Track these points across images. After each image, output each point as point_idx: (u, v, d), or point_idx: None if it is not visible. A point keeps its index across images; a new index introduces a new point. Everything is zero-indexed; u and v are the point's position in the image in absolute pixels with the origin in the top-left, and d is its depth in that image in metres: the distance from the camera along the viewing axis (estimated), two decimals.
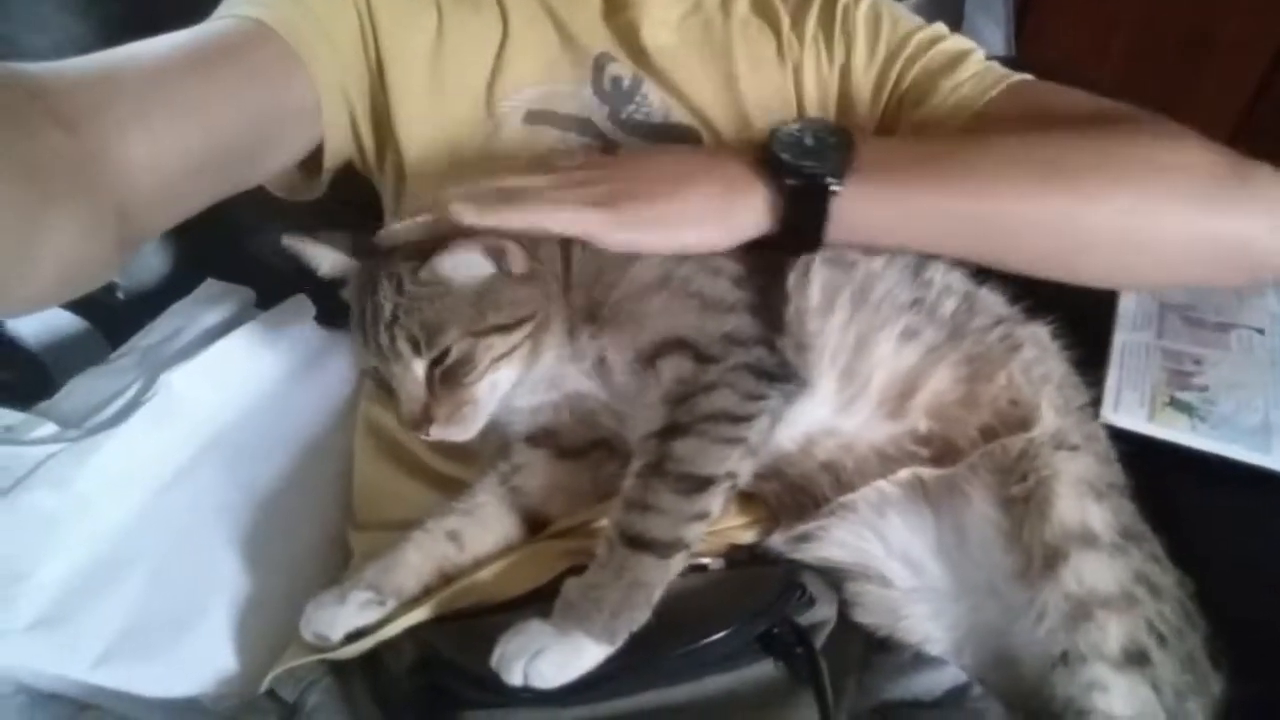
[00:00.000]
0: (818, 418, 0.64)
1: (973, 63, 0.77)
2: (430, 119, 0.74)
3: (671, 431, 0.57)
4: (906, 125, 0.76)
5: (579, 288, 0.63)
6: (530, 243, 0.62)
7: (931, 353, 0.64)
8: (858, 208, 0.62)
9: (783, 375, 0.61)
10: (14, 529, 0.63)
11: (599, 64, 0.78)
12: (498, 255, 0.61)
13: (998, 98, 0.73)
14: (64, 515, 0.64)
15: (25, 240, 0.48)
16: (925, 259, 0.67)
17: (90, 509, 0.65)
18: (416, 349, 0.59)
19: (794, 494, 0.66)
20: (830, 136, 0.64)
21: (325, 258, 0.65)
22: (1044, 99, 0.73)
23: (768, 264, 0.65)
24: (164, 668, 0.64)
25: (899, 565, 0.64)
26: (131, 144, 0.56)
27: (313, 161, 0.75)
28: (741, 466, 0.59)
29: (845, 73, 0.80)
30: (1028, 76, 0.76)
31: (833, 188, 0.62)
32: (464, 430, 0.61)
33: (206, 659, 0.66)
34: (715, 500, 0.57)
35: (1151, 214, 0.63)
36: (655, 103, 0.78)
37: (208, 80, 0.62)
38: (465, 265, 0.60)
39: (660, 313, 0.60)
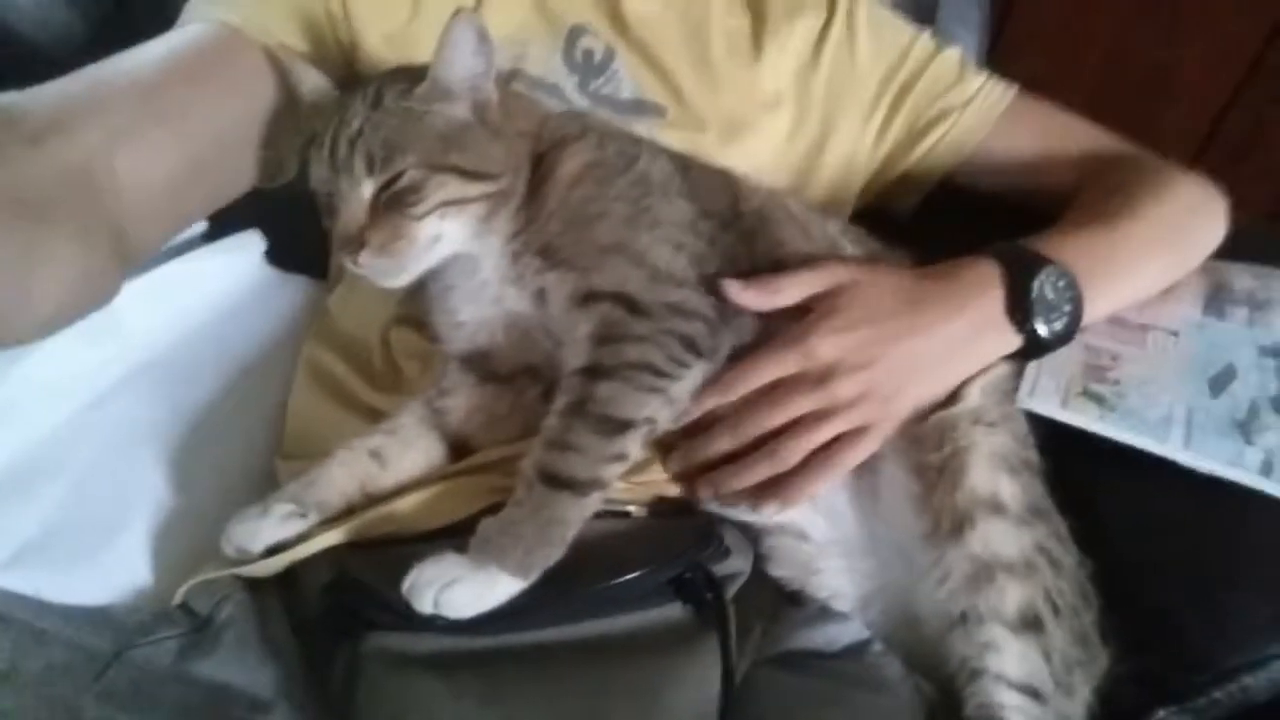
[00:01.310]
0: None
1: (973, 75, 0.85)
2: None
3: (595, 372, 0.59)
4: (921, 151, 0.85)
5: (547, 221, 0.63)
6: (513, 108, 0.63)
7: None
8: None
9: (711, 354, 0.63)
10: None
11: (572, 35, 0.79)
12: (480, 105, 0.61)
13: (1003, 122, 0.84)
14: None
15: (24, 267, 0.49)
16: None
17: (12, 415, 0.64)
18: (370, 168, 0.58)
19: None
20: (1059, 280, 0.67)
21: (309, 79, 0.64)
22: (1050, 128, 0.85)
23: (730, 254, 0.66)
24: (77, 576, 0.63)
25: (820, 518, 0.66)
26: (118, 160, 0.57)
27: None
28: (661, 413, 0.60)
29: (850, 63, 0.83)
30: (1014, 90, 0.85)
31: (1068, 332, 0.68)
32: (393, 269, 0.60)
33: (122, 572, 0.65)
34: (633, 443, 0.59)
35: (1197, 249, 0.79)
36: (625, 79, 0.79)
37: (187, 91, 0.63)
38: (461, 44, 0.59)
39: (610, 270, 0.62)
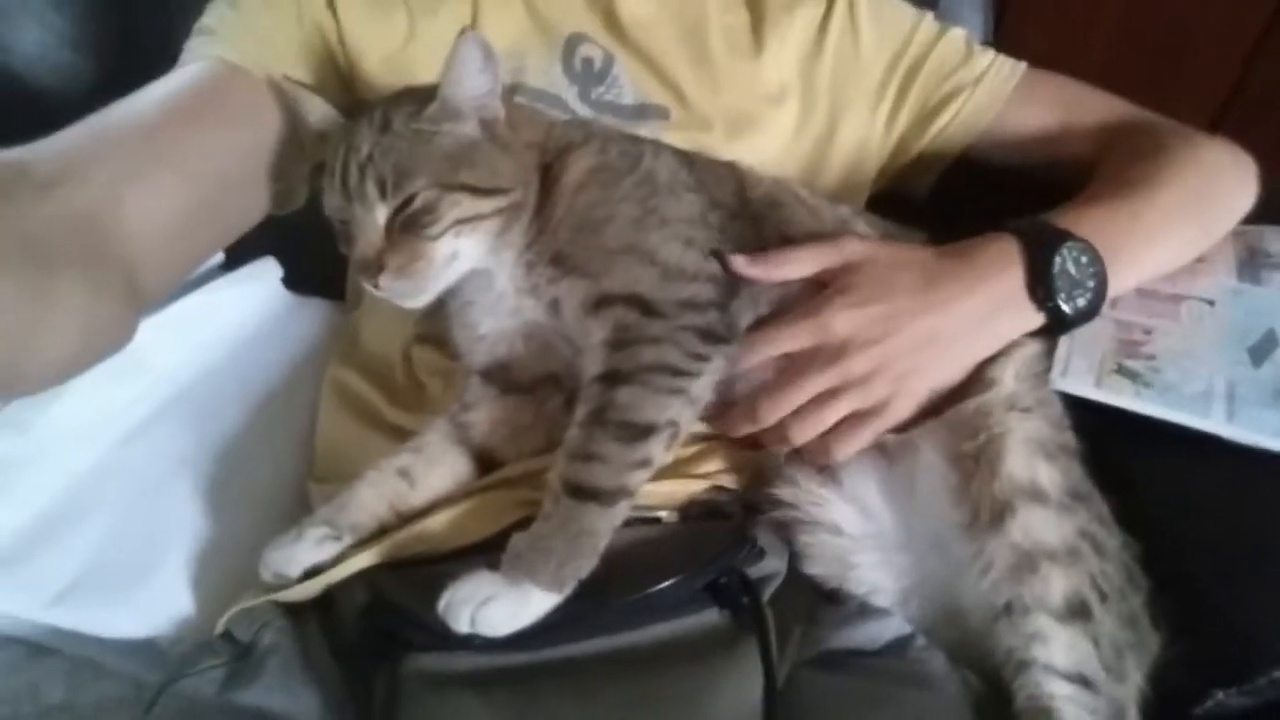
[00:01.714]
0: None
1: (981, 53, 0.84)
2: None
3: (613, 378, 0.58)
4: (934, 131, 0.83)
5: (556, 230, 0.63)
6: (517, 121, 0.63)
7: None
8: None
9: (730, 337, 0.63)
10: None
11: (570, 44, 0.79)
12: (489, 121, 0.61)
13: (1016, 97, 0.83)
14: (22, 460, 0.64)
15: (37, 315, 0.49)
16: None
17: (49, 456, 0.65)
18: (382, 192, 0.58)
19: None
20: (1082, 255, 0.66)
21: (316, 109, 0.65)
22: (1065, 100, 0.83)
23: (740, 242, 0.66)
24: (121, 610, 0.64)
25: (852, 510, 0.65)
26: (125, 204, 0.57)
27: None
28: (683, 414, 0.60)
29: (854, 51, 0.82)
30: (1024, 65, 0.84)
31: (1091, 308, 0.66)
32: (413, 290, 0.60)
33: (164, 604, 0.66)
34: (657, 448, 0.58)
35: (1224, 215, 0.77)
36: (626, 84, 0.79)
37: (189, 131, 0.64)
38: (468, 62, 0.59)
39: (621, 273, 0.61)
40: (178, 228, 0.62)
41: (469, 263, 0.62)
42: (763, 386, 0.65)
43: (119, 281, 0.56)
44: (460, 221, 0.59)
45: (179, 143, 0.63)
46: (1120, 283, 0.68)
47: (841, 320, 0.63)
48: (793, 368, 0.64)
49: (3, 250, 0.48)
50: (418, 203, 0.58)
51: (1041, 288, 0.65)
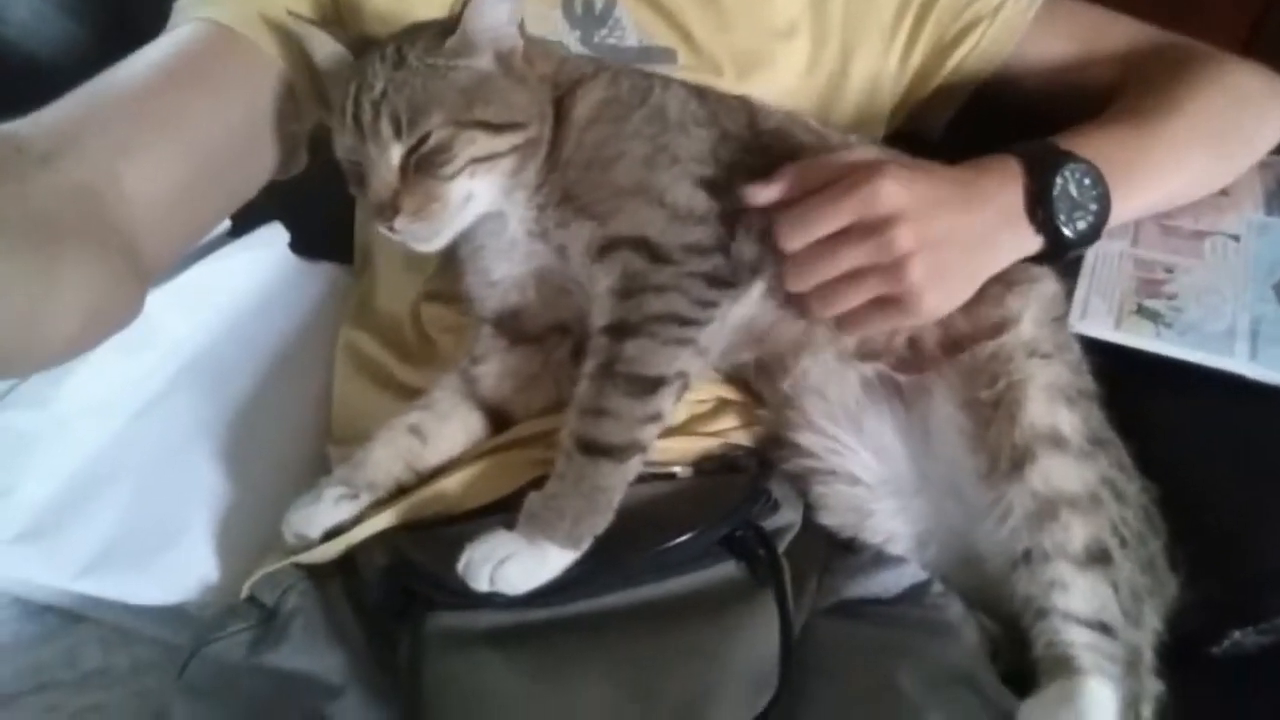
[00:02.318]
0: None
1: None
2: None
3: (621, 329, 0.58)
4: (951, 65, 0.80)
5: (565, 168, 0.62)
6: (531, 53, 0.62)
7: None
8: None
9: (735, 280, 0.61)
10: None
11: None
12: (505, 54, 0.60)
13: (1038, 24, 0.79)
14: (43, 435, 0.65)
15: (44, 291, 0.49)
16: None
17: (68, 429, 0.66)
18: (397, 131, 0.57)
19: (767, 359, 0.67)
20: (1085, 178, 0.64)
21: (324, 45, 0.63)
22: (1089, 27, 0.80)
23: (752, 175, 0.63)
24: (148, 577, 0.66)
25: (869, 455, 0.64)
26: (122, 173, 0.56)
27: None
28: (692, 365, 0.59)
29: None
30: None
31: (1093, 232, 0.64)
32: (429, 232, 0.59)
33: (190, 569, 0.68)
34: (667, 400, 0.58)
35: (1248, 143, 0.75)
36: (629, 26, 0.76)
37: (183, 97, 0.62)
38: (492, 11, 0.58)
39: (629, 215, 0.60)
40: (178, 197, 0.61)
41: (484, 204, 0.61)
42: (792, 257, 0.60)
43: (123, 256, 0.55)
44: (475, 161, 0.58)
45: (174, 111, 0.61)
46: (1126, 209, 0.66)
47: (889, 192, 0.58)
48: (833, 241, 0.59)
49: (4, 228, 0.48)
50: (432, 141, 0.57)
51: (1041, 209, 0.63)
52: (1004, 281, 0.64)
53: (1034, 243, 0.64)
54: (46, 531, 0.64)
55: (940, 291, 0.61)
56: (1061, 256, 0.66)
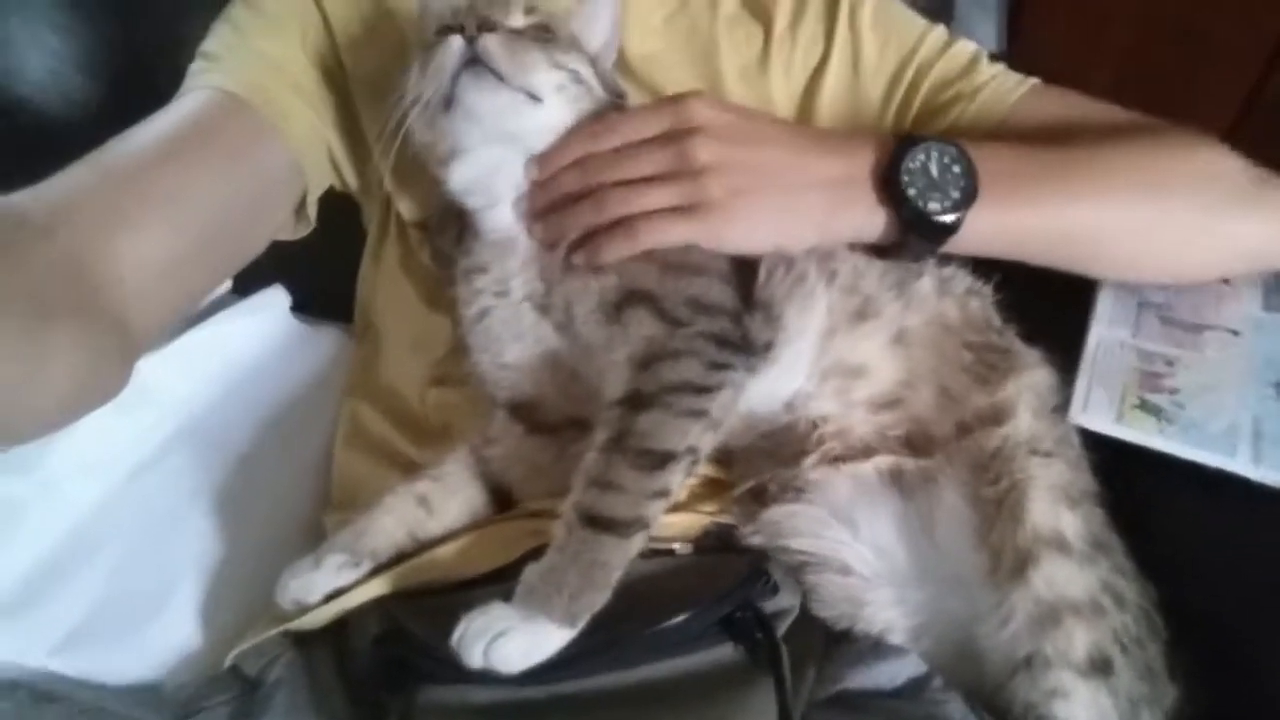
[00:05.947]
0: (795, 388, 0.65)
1: (986, 67, 0.78)
2: None
3: (635, 402, 0.57)
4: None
5: None
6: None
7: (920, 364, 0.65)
8: (969, 235, 0.64)
9: (745, 347, 0.61)
10: None
11: None
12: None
13: (1020, 105, 0.76)
14: (28, 501, 0.64)
15: (32, 365, 0.48)
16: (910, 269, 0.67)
17: (55, 494, 0.65)
18: (527, 9, 0.62)
19: (769, 448, 0.66)
20: (954, 165, 0.64)
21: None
22: (1070, 108, 0.76)
23: None
24: (126, 653, 0.64)
25: (865, 549, 0.64)
26: (118, 245, 0.56)
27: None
28: (703, 441, 0.59)
29: (854, 74, 0.79)
30: (1037, 81, 0.78)
31: (948, 220, 0.63)
32: (491, 84, 0.58)
33: (172, 642, 0.66)
34: (675, 477, 0.57)
35: (1211, 219, 0.69)
36: None
37: (185, 169, 0.62)
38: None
39: (626, 264, 0.61)
40: (170, 268, 0.60)
41: (546, 120, 0.62)
42: (600, 155, 0.62)
43: (112, 333, 0.55)
44: (574, 77, 0.62)
45: (176, 185, 0.61)
46: (999, 217, 0.65)
47: (703, 108, 0.63)
48: (634, 145, 0.63)
49: (2, 300, 0.47)
50: (551, 35, 0.61)
51: (893, 176, 0.63)
52: (995, 367, 0.64)
53: (877, 214, 0.64)
54: (21, 606, 0.62)
55: (743, 219, 0.62)
56: (916, 245, 0.65)
